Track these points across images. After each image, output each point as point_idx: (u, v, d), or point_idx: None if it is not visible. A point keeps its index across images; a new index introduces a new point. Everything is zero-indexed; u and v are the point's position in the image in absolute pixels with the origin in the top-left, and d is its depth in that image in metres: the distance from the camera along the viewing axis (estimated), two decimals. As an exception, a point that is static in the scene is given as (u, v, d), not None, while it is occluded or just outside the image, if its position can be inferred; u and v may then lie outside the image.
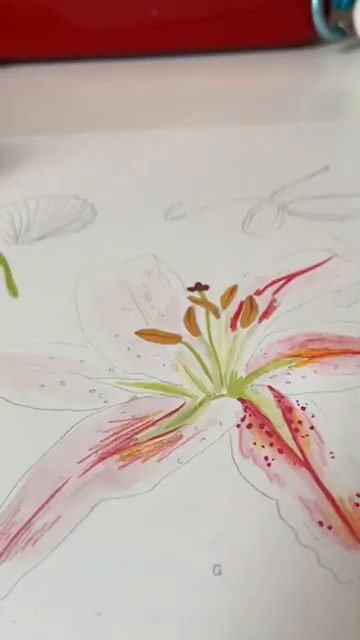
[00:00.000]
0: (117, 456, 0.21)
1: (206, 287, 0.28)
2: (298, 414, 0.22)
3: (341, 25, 0.48)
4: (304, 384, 0.23)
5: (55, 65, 0.46)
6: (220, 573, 0.18)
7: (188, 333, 0.26)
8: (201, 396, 0.23)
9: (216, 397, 0.23)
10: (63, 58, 0.46)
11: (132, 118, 0.40)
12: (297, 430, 0.22)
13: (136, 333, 0.26)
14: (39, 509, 0.20)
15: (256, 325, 0.26)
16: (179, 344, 0.25)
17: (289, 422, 0.22)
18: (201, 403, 0.23)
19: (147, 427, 0.22)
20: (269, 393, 0.23)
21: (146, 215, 0.32)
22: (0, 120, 0.41)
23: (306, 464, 0.21)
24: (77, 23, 0.45)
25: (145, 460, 0.21)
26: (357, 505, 0.19)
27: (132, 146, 0.38)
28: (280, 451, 0.21)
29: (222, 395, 0.23)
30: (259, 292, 0.27)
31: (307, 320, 0.25)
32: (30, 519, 0.20)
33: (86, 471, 0.21)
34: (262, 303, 0.27)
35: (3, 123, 0.41)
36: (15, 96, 0.44)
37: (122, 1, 0.45)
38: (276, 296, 0.27)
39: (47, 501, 0.20)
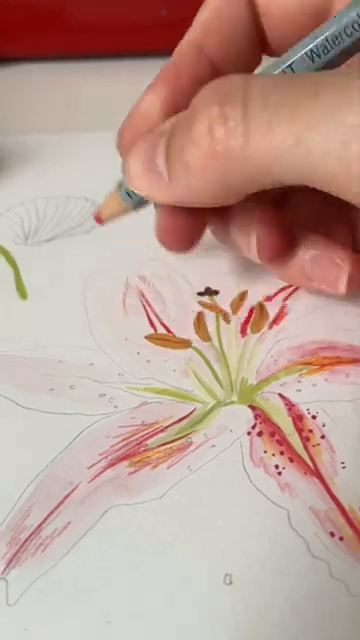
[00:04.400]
0: (127, 462, 0.21)
1: (216, 292, 0.28)
2: (309, 423, 0.22)
3: None
4: (315, 392, 0.23)
5: (65, 63, 0.46)
6: (231, 583, 0.18)
7: (198, 338, 0.26)
8: (211, 402, 0.23)
9: (226, 404, 0.23)
10: (72, 56, 0.46)
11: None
12: (308, 439, 0.22)
13: (145, 337, 0.26)
14: (49, 514, 0.20)
15: (266, 331, 0.26)
16: (189, 349, 0.25)
17: (300, 431, 0.22)
18: (211, 409, 0.23)
19: (157, 433, 0.22)
20: (279, 401, 0.23)
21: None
22: (8, 118, 0.41)
23: (317, 474, 0.21)
24: (87, 21, 0.45)
25: (155, 467, 0.21)
26: (369, 516, 0.19)
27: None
28: (291, 460, 0.21)
29: (232, 402, 0.23)
30: (269, 298, 0.27)
31: (318, 327, 0.25)
32: (40, 524, 0.20)
33: (96, 477, 0.21)
34: (272, 309, 0.27)
35: (11, 121, 0.40)
36: (24, 94, 0.43)
37: (132, 0, 0.45)
38: (287, 302, 0.27)
39: (57, 506, 0.20)
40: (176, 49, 0.24)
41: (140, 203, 0.24)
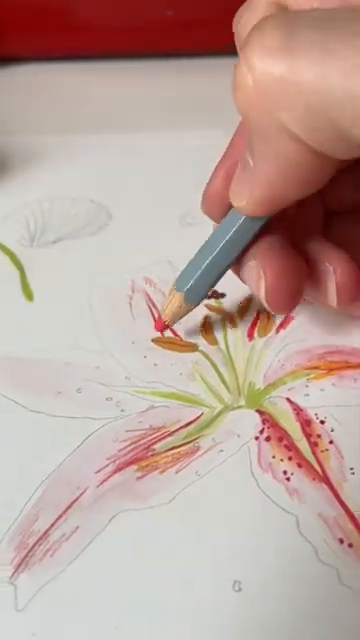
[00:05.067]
0: (135, 466, 0.21)
1: (222, 295, 0.27)
2: (317, 428, 0.22)
3: None
4: (323, 397, 0.23)
5: (69, 64, 0.46)
6: (240, 590, 0.18)
7: (205, 342, 0.26)
8: (219, 407, 0.23)
9: (234, 408, 0.23)
10: (77, 57, 0.46)
11: (148, 119, 0.40)
12: (316, 444, 0.21)
13: (152, 341, 0.26)
14: (57, 519, 0.20)
15: (273, 335, 0.26)
16: (196, 353, 0.25)
17: (308, 436, 0.22)
18: (219, 414, 0.23)
19: (165, 437, 0.22)
20: (287, 405, 0.23)
21: (161, 220, 0.32)
22: (14, 118, 0.41)
23: (325, 479, 0.20)
24: (92, 22, 0.45)
25: (163, 471, 0.21)
26: (378, 523, 0.19)
27: (147, 148, 0.38)
28: (299, 465, 0.21)
29: (240, 406, 0.23)
30: (276, 301, 0.27)
31: (325, 331, 0.25)
32: (48, 529, 0.20)
33: (104, 481, 0.21)
34: (279, 312, 0.26)
35: (17, 122, 0.40)
36: (31, 95, 0.43)
37: (138, 0, 0.44)
38: (293, 306, 0.27)
39: (65, 511, 0.20)
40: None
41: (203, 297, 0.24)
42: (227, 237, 0.22)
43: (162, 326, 0.25)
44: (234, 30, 0.22)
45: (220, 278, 0.23)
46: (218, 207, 0.23)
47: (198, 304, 0.24)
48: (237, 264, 0.23)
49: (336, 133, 0.16)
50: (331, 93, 0.16)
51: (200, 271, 0.23)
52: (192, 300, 0.24)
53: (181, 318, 0.24)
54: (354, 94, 0.15)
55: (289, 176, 0.18)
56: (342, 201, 0.24)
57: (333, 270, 0.21)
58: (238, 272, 0.23)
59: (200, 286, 0.23)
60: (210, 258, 0.23)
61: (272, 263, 0.21)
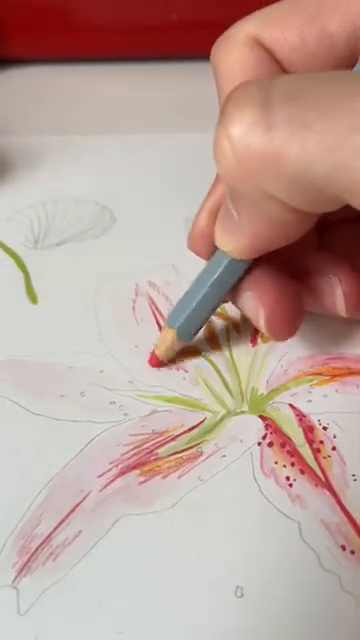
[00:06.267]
0: (138, 471, 0.21)
1: (226, 300, 0.27)
2: (320, 434, 0.22)
3: None
4: (326, 403, 0.23)
5: (74, 66, 0.46)
6: (242, 595, 0.18)
7: (208, 347, 0.26)
8: (222, 412, 0.23)
9: (237, 413, 0.23)
10: (82, 59, 0.46)
11: (151, 122, 0.40)
12: (319, 450, 0.22)
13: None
14: (60, 523, 0.20)
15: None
16: (199, 357, 0.25)
17: (310, 442, 0.22)
18: (222, 419, 0.23)
19: (167, 442, 0.22)
20: (290, 411, 0.23)
21: (165, 223, 0.32)
22: (18, 119, 0.41)
23: (328, 486, 0.21)
24: (97, 24, 0.45)
25: (166, 476, 0.21)
26: (380, 530, 0.19)
27: (151, 150, 0.38)
28: (302, 471, 0.21)
29: (243, 412, 0.23)
30: (279, 306, 0.27)
31: (328, 338, 0.25)
32: (51, 533, 0.20)
33: (106, 485, 0.21)
34: (282, 318, 0.26)
35: (21, 122, 0.40)
36: (35, 96, 0.43)
37: (141, 2, 0.44)
38: (296, 311, 0.27)
39: (68, 515, 0.20)
40: None
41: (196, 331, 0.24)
42: (216, 275, 0.22)
43: (157, 362, 0.25)
44: (211, 61, 0.22)
45: (212, 314, 0.24)
46: (205, 246, 0.23)
47: (191, 340, 0.24)
48: (233, 293, 0.23)
49: (322, 197, 0.17)
50: (314, 167, 0.16)
51: (191, 308, 0.23)
52: (184, 337, 0.24)
53: (175, 353, 0.25)
54: (338, 167, 0.16)
55: (274, 231, 0.19)
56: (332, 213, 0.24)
57: (338, 281, 0.22)
58: (235, 302, 0.23)
59: (192, 323, 0.24)
60: (200, 296, 0.23)
61: (269, 293, 0.22)
